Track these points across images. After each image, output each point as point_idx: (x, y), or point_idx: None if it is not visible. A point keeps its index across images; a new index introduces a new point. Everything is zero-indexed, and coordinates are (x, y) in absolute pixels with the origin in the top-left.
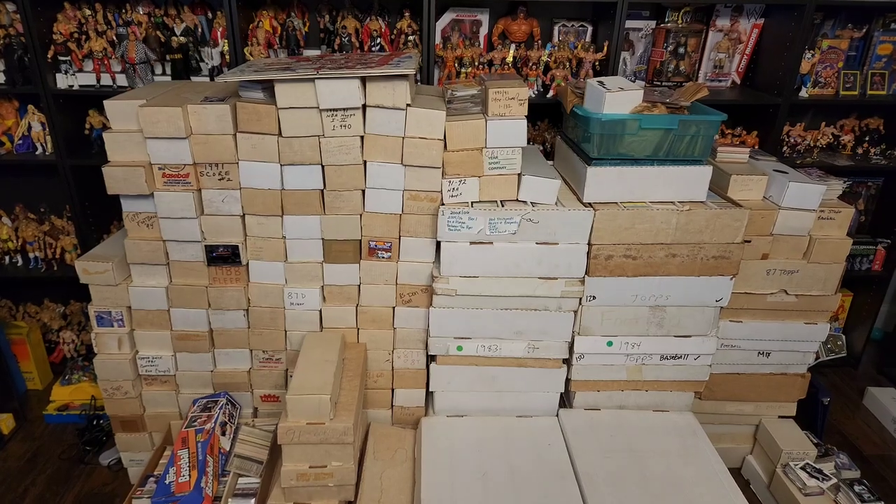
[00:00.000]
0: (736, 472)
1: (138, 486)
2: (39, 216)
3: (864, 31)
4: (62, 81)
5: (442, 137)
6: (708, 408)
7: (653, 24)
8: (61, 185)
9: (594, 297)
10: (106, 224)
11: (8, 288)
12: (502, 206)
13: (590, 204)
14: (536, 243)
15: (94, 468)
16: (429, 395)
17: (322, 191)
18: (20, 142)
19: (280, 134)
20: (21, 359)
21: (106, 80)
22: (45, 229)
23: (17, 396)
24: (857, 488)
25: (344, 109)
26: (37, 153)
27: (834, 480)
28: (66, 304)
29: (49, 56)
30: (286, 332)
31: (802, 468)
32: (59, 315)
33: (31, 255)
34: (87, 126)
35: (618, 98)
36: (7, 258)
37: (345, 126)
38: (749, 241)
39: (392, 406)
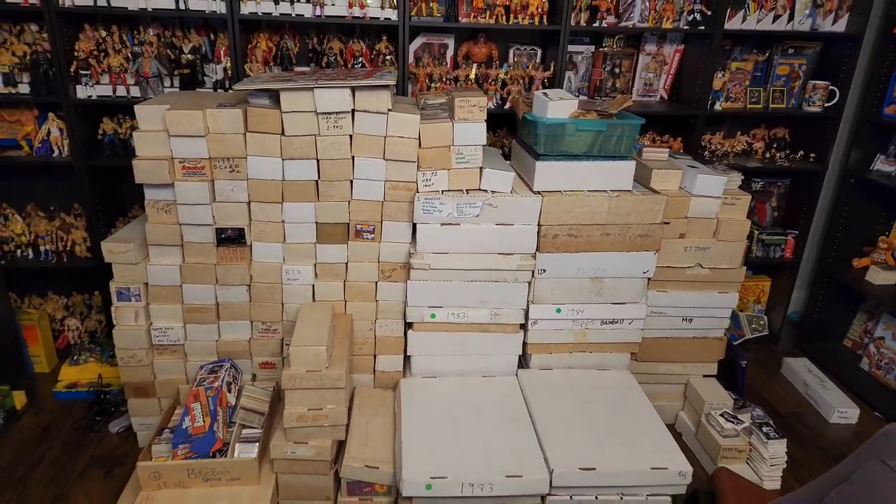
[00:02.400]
0: (670, 428)
1: (156, 436)
2: (49, 214)
3: (766, 55)
4: (82, 92)
5: (417, 137)
6: (643, 368)
7: (592, 48)
8: (73, 185)
9: (544, 271)
10: (112, 219)
11: (15, 281)
12: (467, 193)
13: (539, 192)
14: (496, 224)
15: (105, 435)
16: (406, 360)
17: (317, 181)
18: (39, 145)
19: (283, 133)
20: (31, 343)
21: (121, 91)
22: (58, 224)
23: (27, 377)
24: (764, 429)
25: (337, 113)
26: (54, 156)
27: (747, 423)
28: (69, 296)
29: (72, 70)
30: (283, 304)
31: (721, 415)
32: (62, 306)
33: (42, 248)
34: (101, 132)
35: (559, 105)
36: (19, 251)
37: (337, 127)
38: (668, 223)
39: (374, 371)
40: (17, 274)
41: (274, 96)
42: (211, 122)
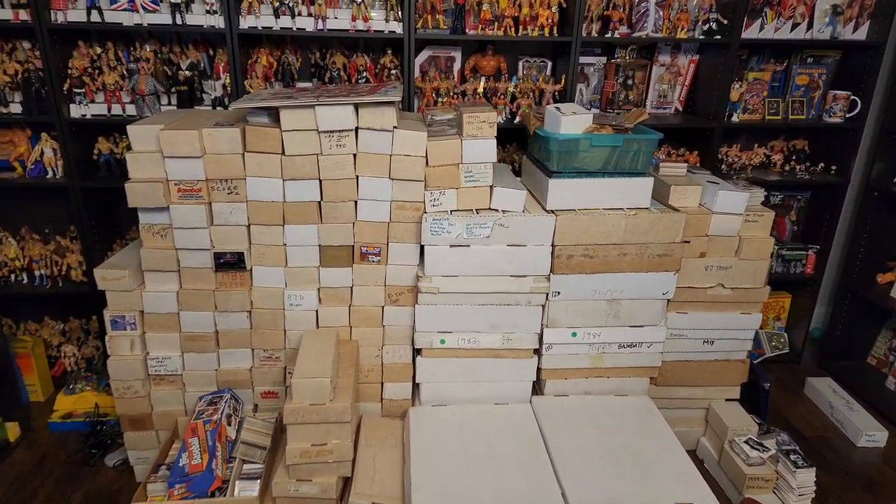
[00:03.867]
0: (692, 454)
1: (151, 473)
2: (44, 237)
3: (785, 64)
4: (76, 111)
5: (424, 155)
6: (663, 393)
7: (604, 59)
8: (68, 207)
9: (559, 293)
10: (109, 242)
11: (10, 306)
12: (477, 213)
13: (552, 211)
14: (507, 245)
15: (100, 469)
16: (415, 387)
17: (319, 202)
18: (32, 167)
19: (283, 153)
20: (25, 372)
21: (116, 109)
22: (52, 248)
23: (21, 407)
24: (792, 457)
25: (339, 131)
26: (47, 177)
27: (773, 451)
28: (66, 321)
29: (65, 89)
30: (285, 331)
31: (746, 442)
32: (58, 332)
33: (36, 272)
34: (96, 152)
35: (572, 121)
36: (13, 276)
37: (340, 146)
38: (688, 242)
39: (382, 399)
40: (12, 299)
41: (273, 114)
42: (208, 142)
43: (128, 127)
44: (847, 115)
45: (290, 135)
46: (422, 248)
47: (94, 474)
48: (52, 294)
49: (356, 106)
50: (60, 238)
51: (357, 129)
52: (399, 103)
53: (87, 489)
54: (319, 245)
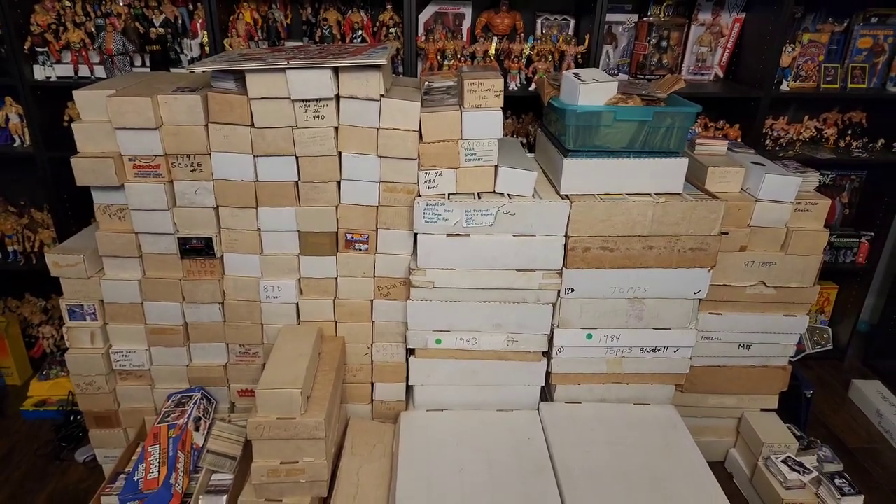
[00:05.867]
0: (719, 466)
1: (108, 483)
2: (20, 209)
3: (845, 24)
4: (39, 73)
5: (417, 128)
6: (690, 400)
7: (635, 17)
8: (40, 178)
9: (572, 290)
10: (86, 217)
11: None
12: (479, 197)
13: (567, 196)
14: (513, 235)
15: (70, 465)
16: (409, 389)
17: (297, 182)
18: None
19: (252, 125)
20: None
21: (84, 71)
22: (25, 222)
23: None
24: (837, 482)
25: (317, 100)
26: (15, 145)
27: (815, 474)
28: (48, 299)
29: (25, 47)
30: (262, 325)
31: (784, 461)
32: (39, 309)
33: (9, 248)
34: (66, 118)
35: (593, 90)
36: None
37: (318, 117)
38: (726, 233)
39: (372, 400)
40: None
41: (242, 79)
42: (164, 110)
43: (74, 92)
44: None
45: (259, 103)
46: (415, 236)
47: (63, 471)
48: (28, 270)
49: (335, 70)
50: (36, 211)
51: (338, 97)
52: (397, 67)
53: (52, 488)
54: (298, 230)
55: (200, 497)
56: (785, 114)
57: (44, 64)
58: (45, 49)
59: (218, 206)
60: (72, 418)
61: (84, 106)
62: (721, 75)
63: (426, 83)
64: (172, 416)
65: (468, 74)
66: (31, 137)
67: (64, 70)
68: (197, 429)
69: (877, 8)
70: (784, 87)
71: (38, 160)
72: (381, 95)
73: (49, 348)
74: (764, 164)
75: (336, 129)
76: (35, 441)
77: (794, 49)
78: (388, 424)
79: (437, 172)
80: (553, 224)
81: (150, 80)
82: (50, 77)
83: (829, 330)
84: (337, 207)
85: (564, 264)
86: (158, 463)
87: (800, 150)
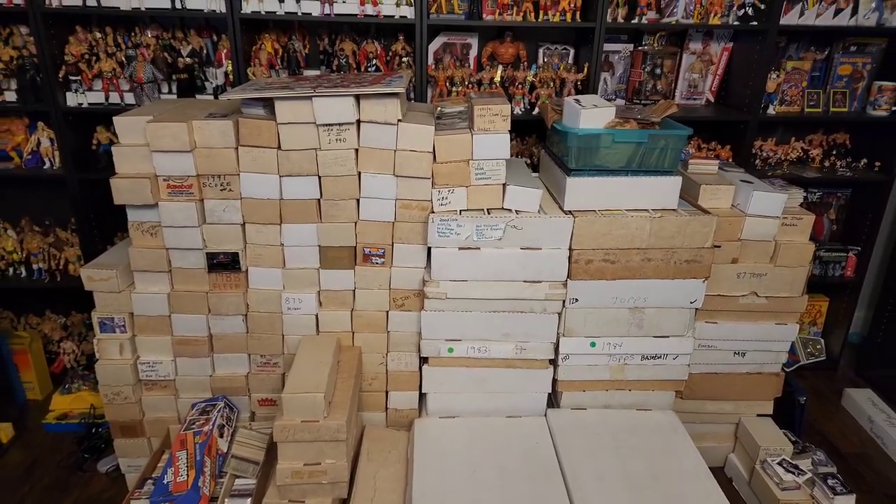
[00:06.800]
0: (719, 471)
1: (136, 488)
2: (44, 229)
3: (826, 53)
4: (72, 99)
5: (431, 150)
6: (689, 407)
7: (630, 47)
8: (68, 199)
9: (576, 300)
10: (110, 235)
11: (10, 299)
12: (488, 213)
13: (570, 212)
14: (521, 248)
15: (93, 475)
16: (422, 397)
17: (319, 200)
18: (29, 157)
19: (279, 147)
20: (22, 369)
21: (114, 98)
22: (50, 241)
23: (17, 406)
24: (830, 482)
25: (339, 125)
26: (45, 168)
27: (809, 475)
28: (68, 316)
29: (60, 76)
30: (283, 336)
31: (779, 464)
32: (59, 326)
33: (34, 266)
34: (95, 141)
35: (593, 114)
36: (11, 269)
37: (340, 140)
38: (719, 246)
39: (386, 409)
40: (12, 293)
41: (270, 105)
42: (198, 134)
43: (114, 118)
44: (893, 108)
45: (287, 128)
46: (429, 249)
47: (86, 481)
48: (53, 288)
49: (357, 97)
50: (61, 230)
51: (358, 122)
52: (406, 94)
53: (76, 497)
54: (319, 245)
55: (226, 500)
56: (773, 135)
57: (76, 91)
58: (79, 77)
59: (244, 223)
60: (94, 430)
61: (123, 131)
62: (712, 100)
63: (439, 108)
64: (198, 423)
65: (477, 100)
66: (62, 160)
67: (95, 97)
68: (221, 435)
69: (855, 38)
70: (771, 110)
71: (69, 181)
72: (399, 120)
73: (70, 363)
74: (752, 182)
75: (356, 150)
76: (58, 453)
77: (778, 76)
78: (402, 432)
79: (449, 190)
80: (558, 238)
81: (181, 107)
82: (82, 103)
83: (822, 341)
84: (356, 223)
85: (569, 276)
86: (186, 467)
87: (787, 170)
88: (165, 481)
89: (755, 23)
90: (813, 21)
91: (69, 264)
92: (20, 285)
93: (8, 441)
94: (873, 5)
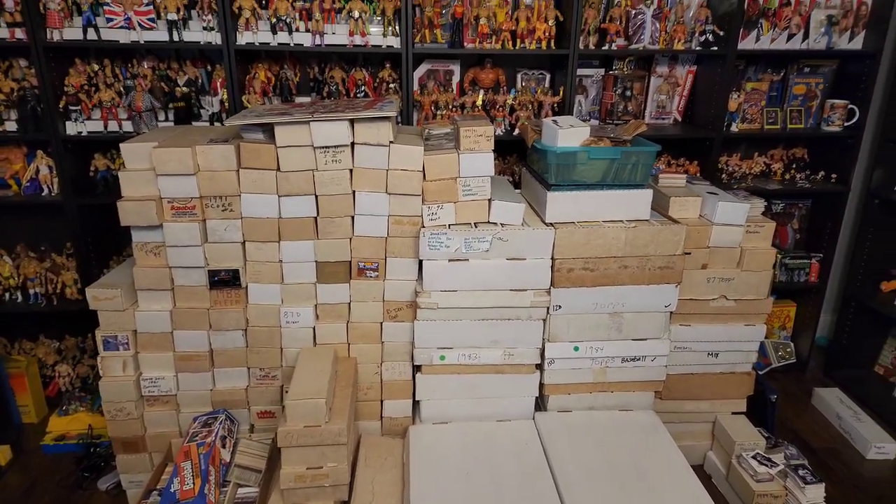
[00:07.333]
0: (699, 469)
1: (142, 499)
2: (40, 254)
3: (782, 74)
4: (72, 128)
5: (421, 169)
6: (669, 407)
7: (602, 71)
8: (64, 224)
9: (560, 307)
10: (106, 259)
11: (5, 324)
12: (476, 227)
13: (551, 224)
14: (506, 259)
15: (93, 493)
16: (415, 404)
17: (315, 218)
18: (27, 184)
19: (278, 169)
20: (18, 392)
21: (113, 126)
22: (47, 266)
23: (14, 429)
24: (801, 472)
25: (335, 147)
26: (43, 194)
27: (781, 466)
28: (61, 340)
29: (61, 106)
30: (282, 349)
31: (753, 457)
32: (53, 350)
33: (31, 290)
34: (92, 168)
35: (569, 134)
36: (7, 295)
37: (336, 161)
38: (689, 253)
39: (381, 417)
40: (6, 318)
41: (268, 130)
42: (201, 159)
43: (121, 145)
44: (845, 124)
45: (286, 151)
46: (420, 262)
47: (87, 499)
48: (48, 312)
49: (352, 121)
50: (56, 255)
51: (353, 144)
52: (397, 118)
53: None
54: (316, 261)
55: None
56: (737, 151)
57: (76, 120)
58: (78, 107)
59: (245, 241)
60: (92, 449)
61: (129, 156)
62: (679, 119)
63: (426, 130)
64: (200, 435)
65: (462, 122)
66: (61, 187)
67: (94, 125)
68: (223, 446)
69: (808, 60)
70: (734, 128)
71: (67, 207)
72: (391, 142)
73: (65, 386)
74: (717, 194)
75: (351, 171)
76: (56, 473)
77: (739, 96)
78: (396, 439)
79: (438, 206)
80: (540, 248)
81: (181, 133)
82: (81, 132)
83: (792, 345)
84: (351, 239)
85: (552, 284)
86: (192, 475)
87: (752, 183)
88: (172, 489)
89: (715, 48)
90: (768, 45)
91: (66, 288)
92: (16, 310)
93: (6, 463)
94: (823, 30)
